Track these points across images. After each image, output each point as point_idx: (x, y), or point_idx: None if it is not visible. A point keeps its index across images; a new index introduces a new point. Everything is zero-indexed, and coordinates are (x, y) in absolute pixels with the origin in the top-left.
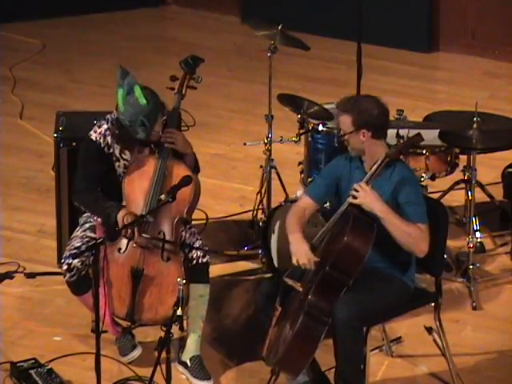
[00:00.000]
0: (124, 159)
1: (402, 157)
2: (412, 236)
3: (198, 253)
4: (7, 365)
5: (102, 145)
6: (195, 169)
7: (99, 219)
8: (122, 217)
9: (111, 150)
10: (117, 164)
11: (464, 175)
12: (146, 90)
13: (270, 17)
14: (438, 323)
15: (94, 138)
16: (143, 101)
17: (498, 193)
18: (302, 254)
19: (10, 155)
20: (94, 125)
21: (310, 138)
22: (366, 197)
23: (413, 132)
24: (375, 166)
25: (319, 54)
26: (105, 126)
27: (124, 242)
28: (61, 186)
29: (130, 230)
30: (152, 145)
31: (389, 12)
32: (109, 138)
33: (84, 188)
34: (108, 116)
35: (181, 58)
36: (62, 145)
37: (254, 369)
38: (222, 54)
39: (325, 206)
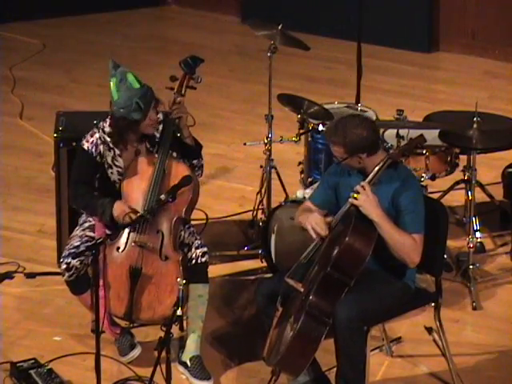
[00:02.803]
0: (117, 166)
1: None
2: (405, 246)
3: (197, 252)
4: (7, 365)
5: (94, 154)
6: (197, 146)
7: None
8: (120, 211)
9: (103, 159)
10: (109, 171)
11: (464, 175)
12: (138, 77)
13: (270, 17)
14: (438, 323)
15: (86, 148)
16: (136, 85)
17: (498, 193)
18: (314, 219)
19: (9, 155)
20: (95, 126)
21: (310, 138)
22: (365, 200)
23: (413, 132)
24: (377, 168)
25: (319, 54)
26: (97, 135)
27: (123, 241)
28: (61, 186)
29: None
30: (149, 145)
31: (389, 12)
32: (101, 147)
33: (78, 193)
34: (100, 124)
35: (181, 58)
36: (61, 145)
37: (254, 369)
38: (222, 54)
39: None
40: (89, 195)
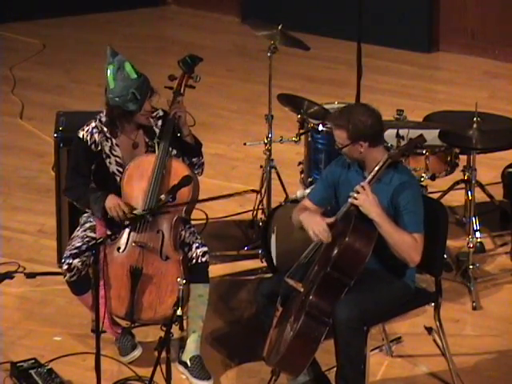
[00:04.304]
0: (115, 155)
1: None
2: (405, 245)
3: (198, 252)
4: (7, 365)
5: (89, 142)
6: (197, 145)
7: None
8: (112, 203)
9: (99, 148)
10: (108, 161)
11: (464, 175)
12: (135, 67)
13: (270, 17)
14: (438, 323)
15: (81, 136)
16: (134, 75)
17: (498, 193)
18: (317, 225)
19: (9, 155)
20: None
21: (309, 138)
22: (365, 200)
23: (413, 132)
24: (377, 168)
25: (319, 54)
26: (93, 124)
27: (123, 241)
28: (61, 186)
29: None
30: (147, 139)
31: (389, 12)
32: (96, 136)
33: (73, 184)
34: (97, 115)
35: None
36: (61, 145)
37: (254, 369)
38: (221, 54)
39: None
40: (83, 187)
